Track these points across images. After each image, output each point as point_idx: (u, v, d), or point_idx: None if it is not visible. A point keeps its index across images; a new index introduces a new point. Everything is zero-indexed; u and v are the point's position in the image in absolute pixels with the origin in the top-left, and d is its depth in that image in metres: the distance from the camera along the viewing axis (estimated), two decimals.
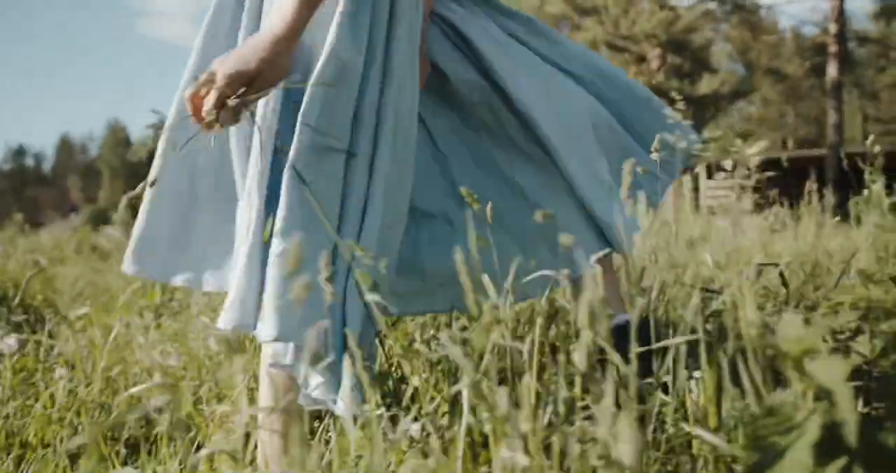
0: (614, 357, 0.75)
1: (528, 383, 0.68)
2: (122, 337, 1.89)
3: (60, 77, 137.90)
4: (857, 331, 1.03)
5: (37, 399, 1.54)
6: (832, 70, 18.55)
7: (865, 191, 2.97)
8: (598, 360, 0.78)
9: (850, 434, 0.57)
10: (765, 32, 23.86)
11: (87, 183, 65.33)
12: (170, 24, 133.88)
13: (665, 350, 1.01)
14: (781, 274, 1.39)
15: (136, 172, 64.12)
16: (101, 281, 3.70)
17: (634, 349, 0.78)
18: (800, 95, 35.49)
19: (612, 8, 19.44)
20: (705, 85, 14.24)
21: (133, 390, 1.21)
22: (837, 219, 3.51)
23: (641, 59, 17.24)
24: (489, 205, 1.20)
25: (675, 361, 0.96)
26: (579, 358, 0.68)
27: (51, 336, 2.00)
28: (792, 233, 3.51)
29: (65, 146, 70.28)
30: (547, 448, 0.72)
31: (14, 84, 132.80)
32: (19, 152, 68.85)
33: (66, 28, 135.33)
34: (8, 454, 1.39)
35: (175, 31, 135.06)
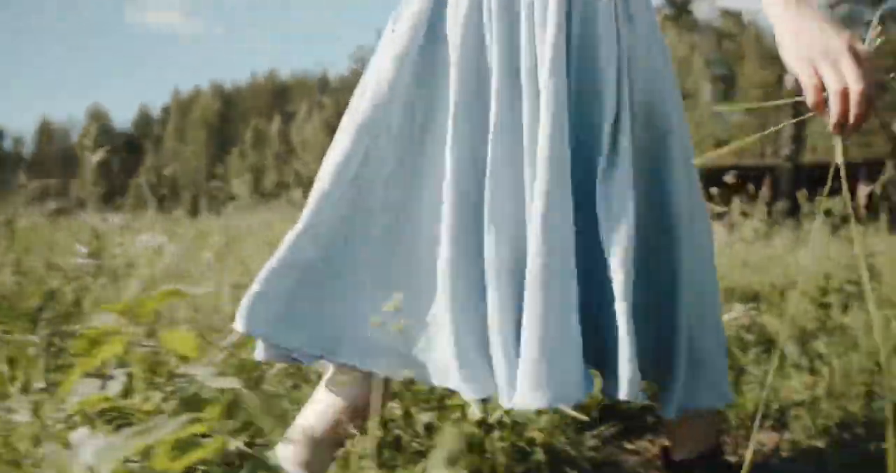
0: None
1: None
2: None
3: (43, 62, 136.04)
4: None
5: None
6: (790, 78, 18.57)
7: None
8: None
9: None
10: (727, 38, 24.01)
11: (66, 168, 64.47)
12: (156, 11, 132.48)
13: None
14: None
15: (117, 157, 63.40)
16: None
17: None
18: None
19: None
20: None
21: None
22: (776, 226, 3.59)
23: None
24: None
25: None
26: None
27: None
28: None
29: (44, 131, 69.32)
30: None
31: None
32: None
33: (51, 13, 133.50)
34: None
35: (161, 19, 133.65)
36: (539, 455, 1.49)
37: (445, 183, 1.09)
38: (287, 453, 1.14)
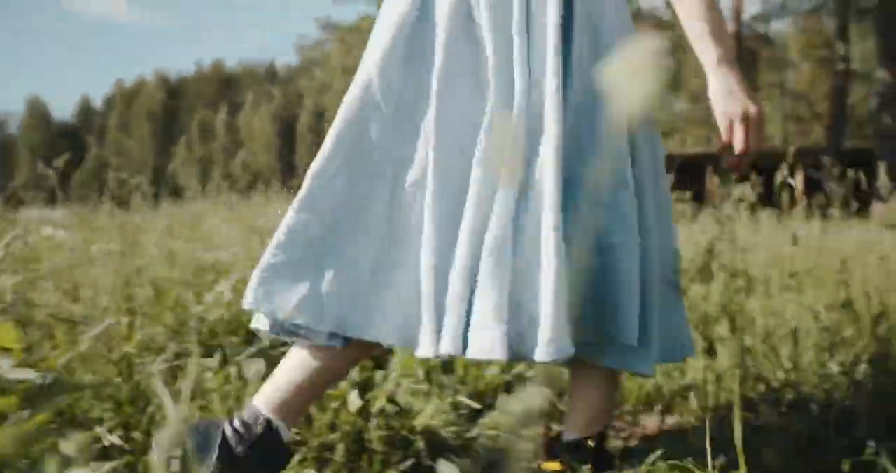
0: None
1: None
2: None
3: None
4: None
5: None
6: None
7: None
8: None
9: None
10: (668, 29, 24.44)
11: (4, 160, 62.55)
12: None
13: None
14: None
15: (56, 151, 61.70)
16: None
17: None
18: None
19: None
20: None
21: None
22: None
23: None
24: None
25: None
26: None
27: None
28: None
29: None
30: None
31: None
32: None
33: None
34: None
35: (103, 6, 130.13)
36: (419, 443, 1.50)
37: (430, 168, 1.17)
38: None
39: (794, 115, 35.77)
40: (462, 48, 1.21)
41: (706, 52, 1.29)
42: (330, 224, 1.20)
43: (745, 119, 1.27)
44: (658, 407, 1.97)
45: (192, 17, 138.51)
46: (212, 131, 55.92)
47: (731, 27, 18.70)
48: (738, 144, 1.28)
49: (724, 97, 1.27)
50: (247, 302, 1.19)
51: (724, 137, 1.29)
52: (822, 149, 14.58)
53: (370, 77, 1.22)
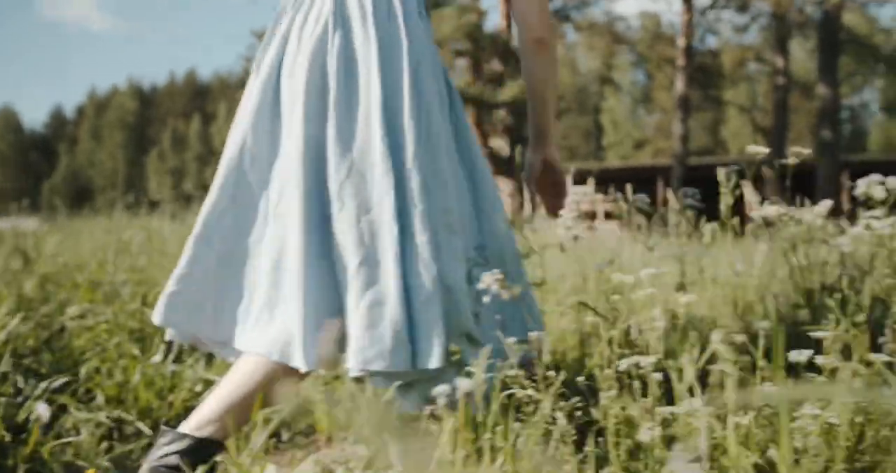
0: None
1: None
2: None
3: None
4: None
5: None
6: (679, 84, 18.92)
7: None
8: None
9: None
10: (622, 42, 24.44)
11: None
12: (70, 6, 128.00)
13: None
14: None
15: (27, 159, 61.38)
16: None
17: None
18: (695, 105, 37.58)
19: None
20: (507, 91, 13.98)
21: None
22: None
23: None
24: None
25: None
26: None
27: None
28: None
29: None
30: None
31: None
32: None
33: None
34: None
35: (76, 14, 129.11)
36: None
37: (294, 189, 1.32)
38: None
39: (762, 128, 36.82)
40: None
41: (546, 131, 1.58)
42: (223, 256, 1.36)
43: (557, 185, 1.61)
44: None
45: (167, 26, 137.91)
46: (185, 141, 56.00)
47: (682, 42, 18.86)
48: (558, 207, 1.65)
49: (548, 165, 1.59)
50: (156, 320, 1.37)
51: (541, 199, 1.64)
52: (762, 161, 15.18)
53: (245, 136, 1.37)
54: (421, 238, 1.26)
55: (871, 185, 1.51)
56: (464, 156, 1.43)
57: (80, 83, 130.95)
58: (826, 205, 1.65)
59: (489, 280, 1.19)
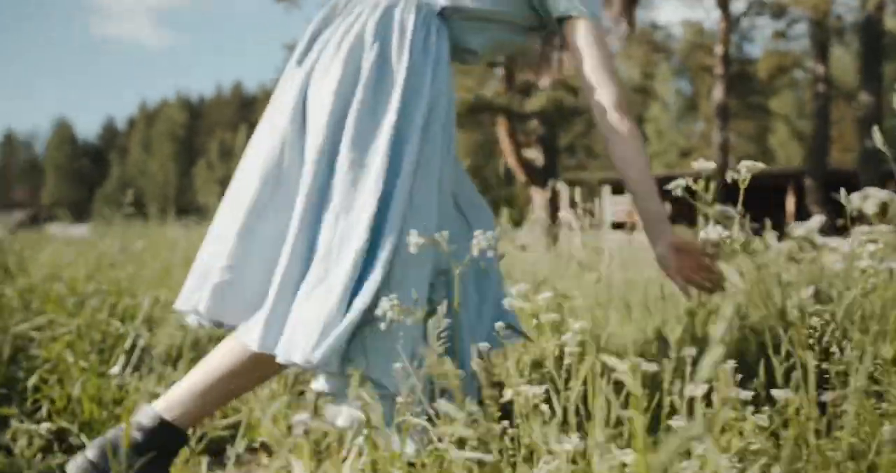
0: None
1: None
2: None
3: (8, 73, 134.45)
4: None
5: None
6: (718, 92, 18.61)
7: None
8: None
9: None
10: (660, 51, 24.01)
11: (30, 180, 64.07)
12: (122, 22, 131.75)
13: None
14: None
15: (81, 169, 63.19)
16: None
17: None
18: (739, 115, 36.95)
19: None
20: (535, 101, 13.82)
21: None
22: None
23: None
24: None
25: None
26: None
27: None
28: None
29: (9, 142, 68.85)
30: None
31: None
32: None
33: (17, 24, 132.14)
34: None
35: (128, 30, 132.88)
36: None
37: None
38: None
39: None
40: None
41: (654, 209, 1.42)
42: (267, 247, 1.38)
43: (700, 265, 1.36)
44: None
45: (214, 39, 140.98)
46: (231, 152, 57.00)
47: (719, 50, 18.64)
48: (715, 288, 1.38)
49: (675, 255, 1.37)
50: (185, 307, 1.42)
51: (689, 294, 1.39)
52: (805, 171, 14.75)
53: (283, 143, 1.40)
54: (383, 255, 1.29)
55: (864, 199, 1.37)
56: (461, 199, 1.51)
57: (131, 96, 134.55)
58: (818, 220, 1.55)
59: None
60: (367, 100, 1.35)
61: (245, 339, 1.33)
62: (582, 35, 1.43)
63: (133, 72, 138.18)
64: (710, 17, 28.67)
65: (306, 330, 1.26)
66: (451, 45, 1.48)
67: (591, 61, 1.43)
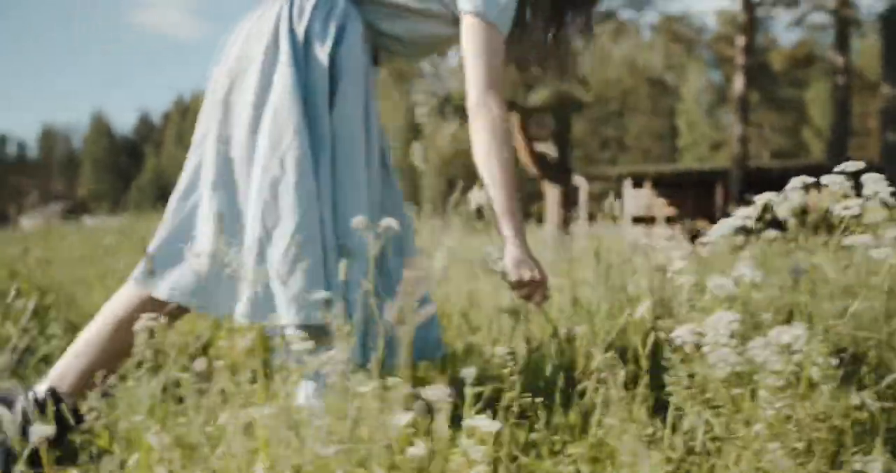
0: None
1: None
2: None
3: (45, 68, 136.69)
4: None
5: None
6: (738, 83, 17.98)
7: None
8: None
9: None
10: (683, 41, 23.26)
11: (69, 173, 65.24)
12: (158, 15, 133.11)
13: None
14: None
15: (117, 162, 64.23)
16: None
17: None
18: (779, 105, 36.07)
19: None
20: (536, 96, 13.75)
21: None
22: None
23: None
24: None
25: None
26: None
27: None
28: None
29: (48, 135, 70.13)
30: None
31: None
32: (1, 140, 68.67)
33: (53, 19, 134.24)
34: None
35: (164, 23, 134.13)
36: None
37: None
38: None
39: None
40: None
41: (505, 225, 1.44)
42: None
43: (533, 281, 1.43)
44: None
45: None
46: None
47: (741, 40, 17.95)
48: (531, 299, 1.47)
49: (518, 265, 1.43)
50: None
51: (516, 295, 1.48)
52: (825, 165, 14.39)
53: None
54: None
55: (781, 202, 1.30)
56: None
57: (166, 88, 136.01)
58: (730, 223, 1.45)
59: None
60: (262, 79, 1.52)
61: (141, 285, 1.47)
62: (466, 33, 1.48)
63: (169, 65, 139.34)
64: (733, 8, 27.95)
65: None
66: (369, 28, 1.54)
67: (468, 60, 1.47)
